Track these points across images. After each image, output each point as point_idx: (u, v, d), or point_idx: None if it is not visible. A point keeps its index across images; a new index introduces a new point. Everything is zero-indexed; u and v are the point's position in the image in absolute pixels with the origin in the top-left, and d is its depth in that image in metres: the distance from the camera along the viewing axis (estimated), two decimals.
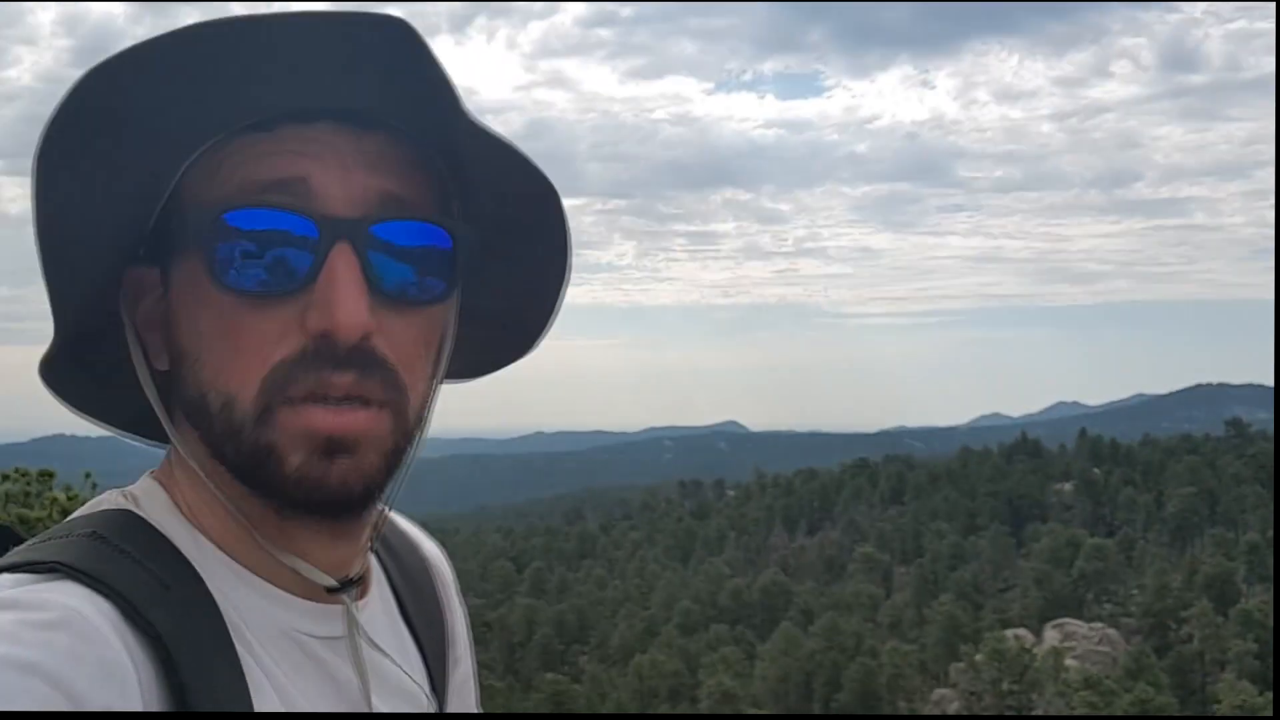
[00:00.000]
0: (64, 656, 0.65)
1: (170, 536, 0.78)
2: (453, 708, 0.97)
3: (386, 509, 0.88)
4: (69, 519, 0.79)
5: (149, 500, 0.81)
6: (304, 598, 0.81)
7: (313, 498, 0.77)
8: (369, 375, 0.76)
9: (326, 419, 0.75)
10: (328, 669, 0.81)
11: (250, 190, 0.75)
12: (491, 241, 0.85)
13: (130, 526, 0.77)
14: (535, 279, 0.90)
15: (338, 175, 0.76)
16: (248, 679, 0.74)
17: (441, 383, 0.86)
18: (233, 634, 0.75)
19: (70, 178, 0.73)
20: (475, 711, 1.02)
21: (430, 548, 1.04)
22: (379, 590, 0.91)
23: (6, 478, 15.81)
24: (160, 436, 0.85)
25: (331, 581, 0.82)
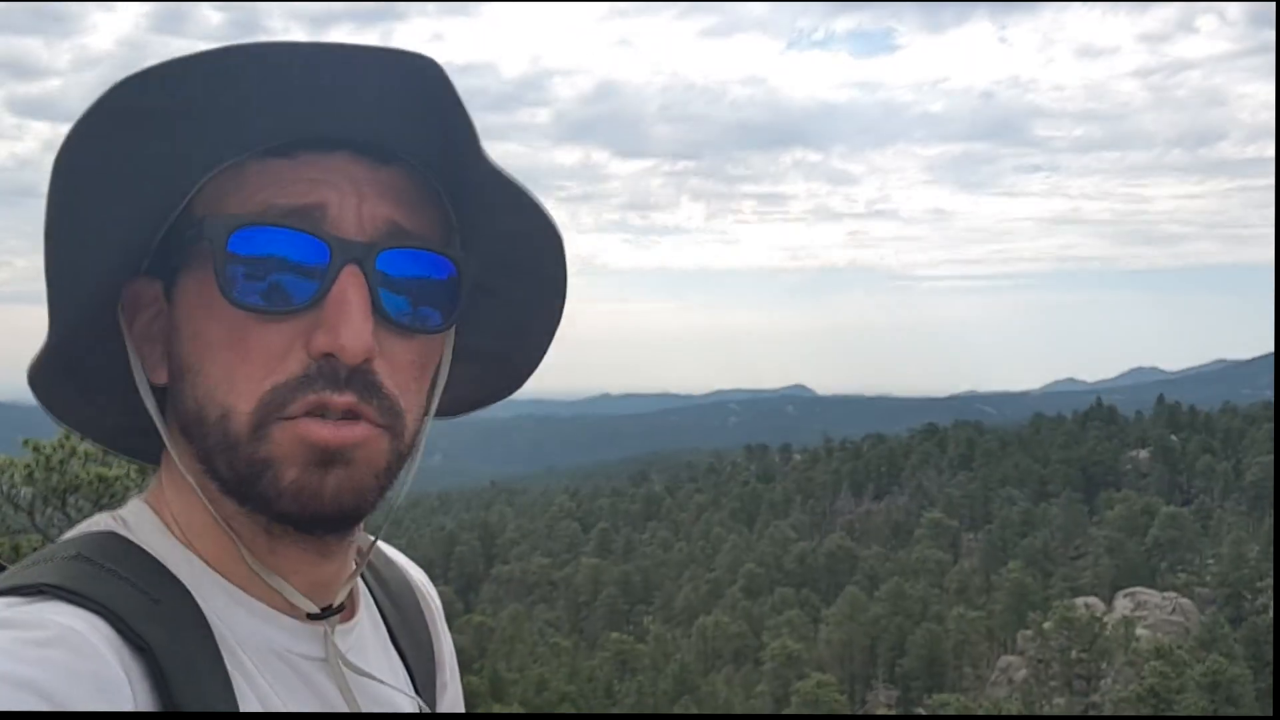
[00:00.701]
0: (60, 673, 0.66)
1: (158, 556, 0.79)
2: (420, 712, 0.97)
3: (375, 537, 0.90)
4: (56, 542, 0.80)
5: (136, 521, 0.82)
6: (295, 617, 0.83)
7: (306, 510, 0.77)
8: (367, 398, 0.77)
9: (323, 431, 0.76)
10: (319, 689, 0.82)
11: (268, 212, 0.77)
12: (490, 280, 0.87)
13: (115, 547, 0.78)
14: (529, 320, 0.92)
15: (353, 204, 0.78)
16: (236, 694, 0.75)
17: (433, 413, 0.87)
18: (222, 650, 0.76)
19: (88, 183, 0.73)
20: None
21: (417, 575, 1.05)
22: (368, 614, 0.92)
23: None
24: (144, 454, 0.87)
25: (313, 607, 0.83)
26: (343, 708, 0.84)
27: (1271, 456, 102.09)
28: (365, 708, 0.85)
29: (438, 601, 1.05)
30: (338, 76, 0.73)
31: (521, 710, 53.04)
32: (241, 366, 0.76)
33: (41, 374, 0.82)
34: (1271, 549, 79.67)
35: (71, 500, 16.83)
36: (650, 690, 64.88)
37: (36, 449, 16.24)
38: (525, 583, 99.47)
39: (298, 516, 0.78)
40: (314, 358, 0.76)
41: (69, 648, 0.67)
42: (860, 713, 70.14)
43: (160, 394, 0.82)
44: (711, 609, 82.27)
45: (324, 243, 0.76)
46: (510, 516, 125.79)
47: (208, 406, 0.77)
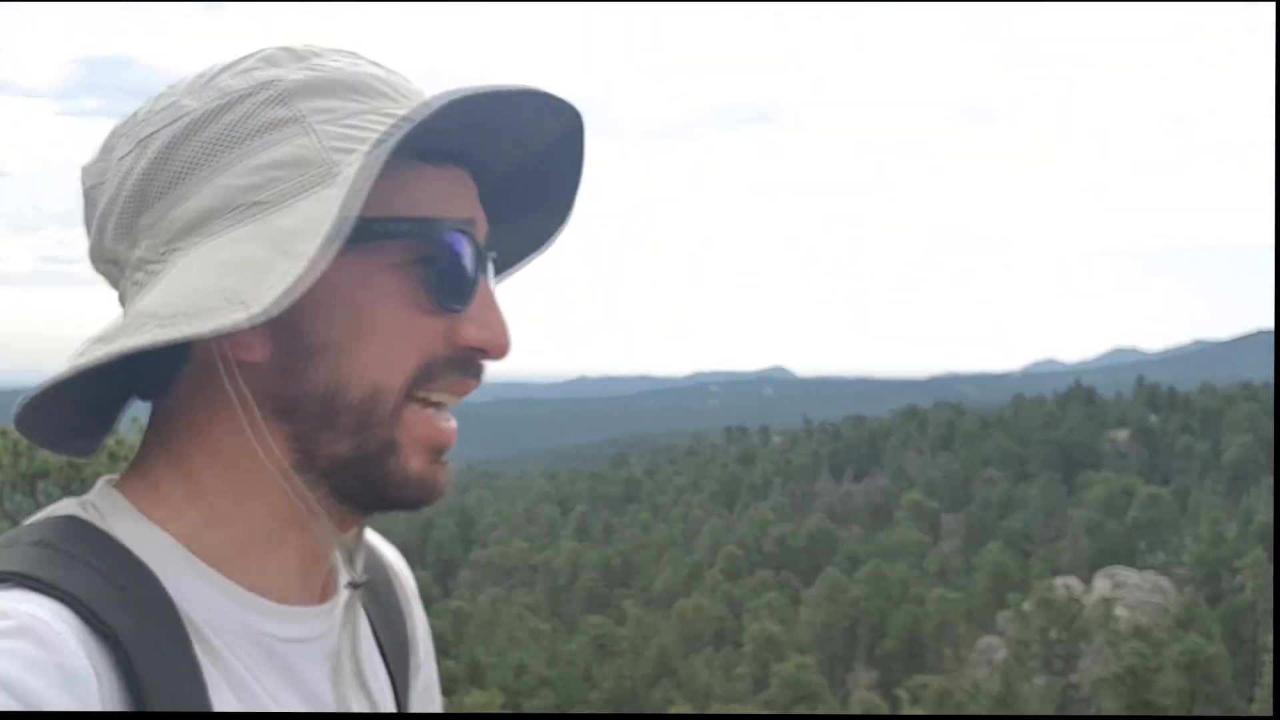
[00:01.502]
0: (25, 665, 0.65)
1: (125, 541, 0.78)
2: (415, 711, 0.99)
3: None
4: (14, 530, 0.80)
5: (104, 505, 0.81)
6: (275, 601, 0.83)
7: (422, 499, 0.82)
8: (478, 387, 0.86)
9: (444, 428, 0.82)
10: (294, 671, 0.82)
11: (449, 220, 0.81)
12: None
13: (78, 532, 0.78)
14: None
15: (480, 221, 0.85)
16: (206, 680, 0.75)
17: None
18: (191, 634, 0.76)
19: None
20: (440, 714, 1.04)
21: (391, 554, 1.05)
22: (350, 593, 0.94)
23: None
24: (84, 451, 0.88)
25: (360, 576, 0.87)
26: (319, 689, 0.84)
27: (1249, 436, 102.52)
28: (348, 689, 0.87)
29: (412, 582, 1.06)
30: (500, 110, 0.81)
31: (500, 695, 52.52)
32: (403, 350, 0.80)
33: (43, 399, 0.80)
34: (1244, 527, 79.90)
35: (40, 486, 16.09)
36: (629, 673, 64.48)
37: (3, 434, 15.54)
38: (504, 567, 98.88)
39: (413, 503, 0.82)
40: (456, 348, 0.81)
41: (33, 638, 0.67)
42: (841, 694, 69.94)
43: (252, 371, 0.81)
44: (691, 591, 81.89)
45: (478, 250, 0.83)
46: (488, 500, 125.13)
47: (352, 385, 0.79)
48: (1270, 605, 68.16)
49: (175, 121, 0.79)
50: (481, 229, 0.84)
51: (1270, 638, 60.37)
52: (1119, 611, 65.35)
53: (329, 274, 0.77)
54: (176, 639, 0.75)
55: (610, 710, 56.67)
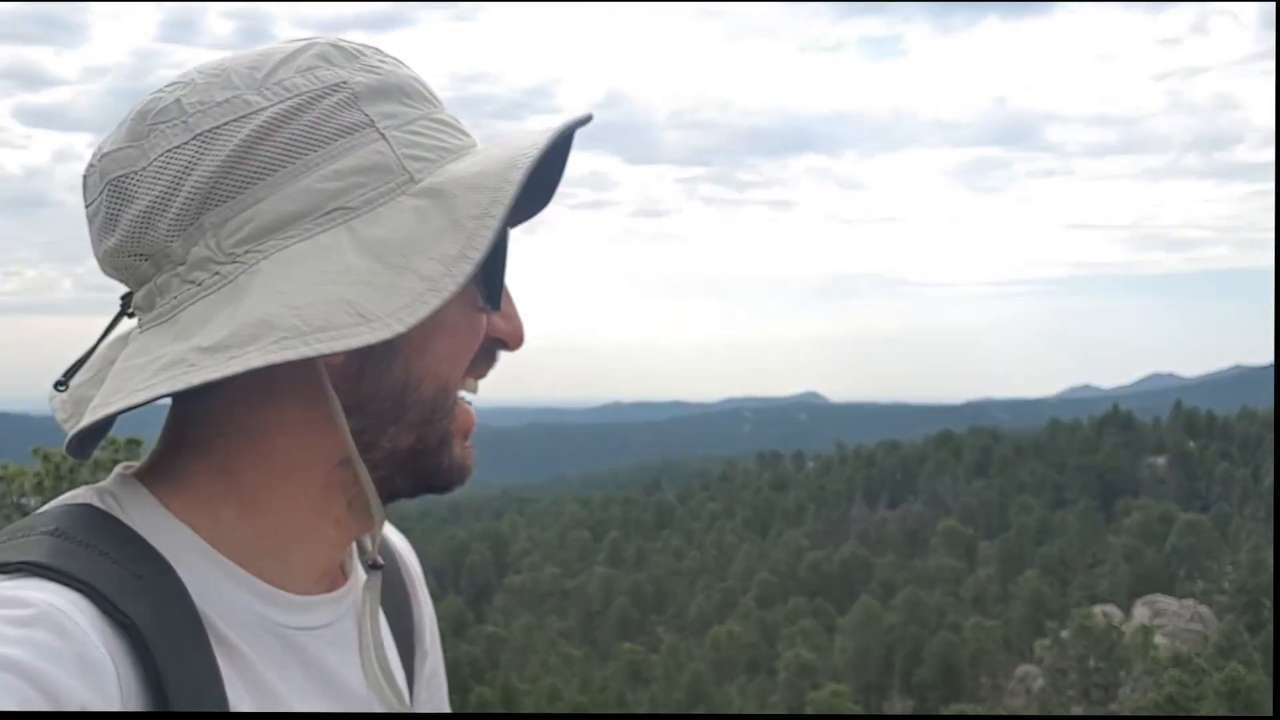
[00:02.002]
0: (43, 653, 0.65)
1: (139, 529, 0.79)
2: (421, 699, 1.00)
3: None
4: (31, 516, 0.80)
5: (124, 495, 0.81)
6: (290, 591, 0.83)
7: (458, 480, 0.86)
8: None
9: (473, 414, 0.87)
10: (311, 656, 0.84)
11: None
12: None
13: (93, 521, 0.78)
14: None
15: None
16: (221, 669, 0.76)
17: None
18: (205, 624, 0.77)
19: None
20: (445, 705, 1.05)
21: (398, 540, 1.06)
22: (361, 579, 0.94)
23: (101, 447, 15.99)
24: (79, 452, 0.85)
25: (379, 561, 0.92)
26: (337, 674, 0.86)
27: None
28: (363, 675, 0.88)
29: (418, 568, 1.07)
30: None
31: None
32: (466, 346, 0.83)
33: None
34: None
35: None
36: (664, 701, 64.34)
37: (46, 458, 15.90)
38: (537, 593, 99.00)
39: (451, 485, 0.86)
40: (487, 340, 0.85)
41: (52, 627, 0.67)
42: (874, 714, 69.51)
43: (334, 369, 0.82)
44: (725, 618, 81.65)
45: (503, 246, 0.84)
46: (522, 526, 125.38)
47: (425, 381, 0.82)
48: None
49: (244, 118, 0.78)
50: None
51: None
52: (1158, 640, 64.60)
53: None
54: (193, 630, 0.75)
55: None
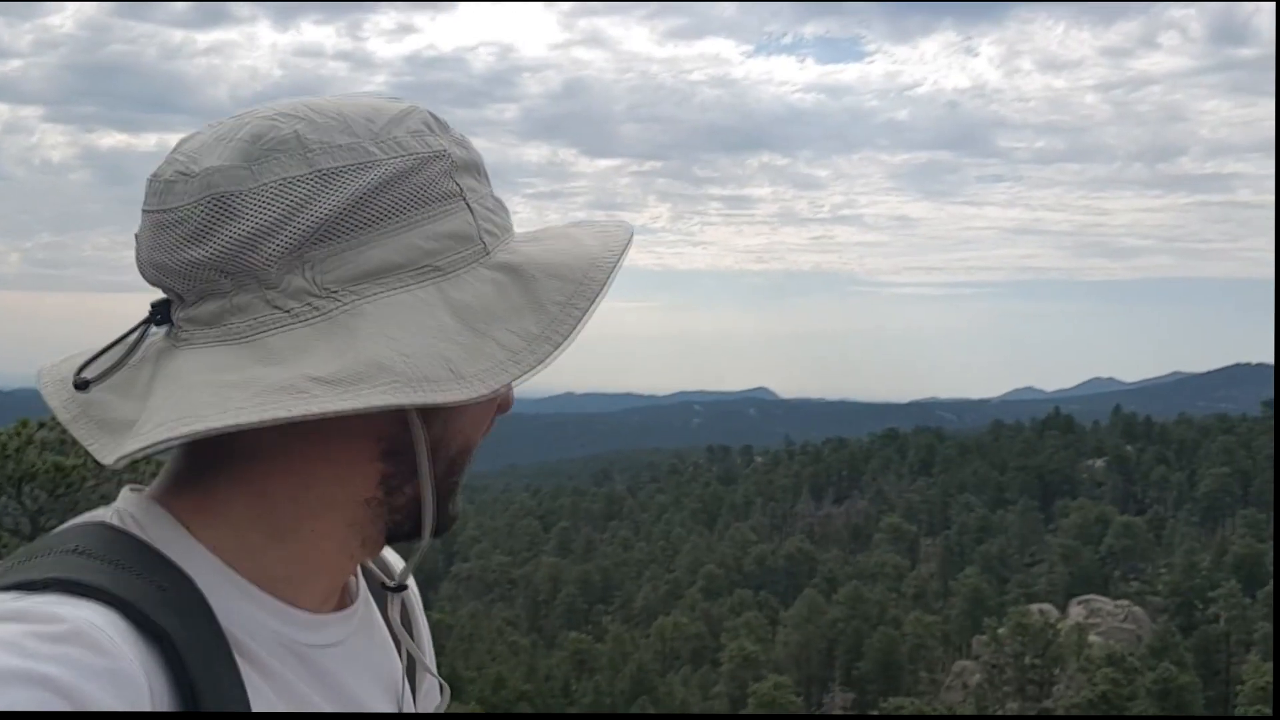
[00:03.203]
0: (77, 670, 0.66)
1: (158, 547, 0.80)
2: (420, 712, 1.03)
3: None
4: (47, 536, 0.81)
5: (140, 513, 0.82)
6: (304, 609, 0.86)
7: (448, 528, 0.91)
8: None
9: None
10: (326, 675, 0.86)
11: None
12: None
13: (113, 540, 0.79)
14: None
15: None
16: (245, 681, 0.77)
17: None
18: (229, 638, 0.78)
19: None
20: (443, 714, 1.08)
21: (396, 561, 1.09)
22: (365, 598, 0.97)
23: (43, 425, 16.02)
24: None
25: (391, 582, 0.99)
26: (350, 691, 0.88)
27: (1225, 468, 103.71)
28: (375, 691, 0.91)
29: (416, 589, 1.09)
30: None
31: (478, 708, 52.83)
32: (488, 413, 0.91)
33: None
34: (1218, 558, 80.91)
35: (27, 489, 16.53)
36: (608, 690, 64.86)
37: None
38: (485, 581, 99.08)
39: (443, 532, 0.91)
40: (495, 410, 0.92)
41: (84, 643, 0.67)
42: (817, 714, 70.50)
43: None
44: (670, 609, 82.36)
45: None
46: (470, 514, 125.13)
47: (455, 439, 0.88)
48: (1244, 637, 69.17)
49: (365, 165, 0.81)
50: None
51: (1243, 668, 61.24)
52: (1093, 639, 66.09)
53: None
54: (219, 642, 0.77)
55: None
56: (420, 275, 0.81)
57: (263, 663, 0.80)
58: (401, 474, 0.85)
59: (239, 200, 0.80)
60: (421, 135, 0.85)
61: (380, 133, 0.83)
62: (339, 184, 0.80)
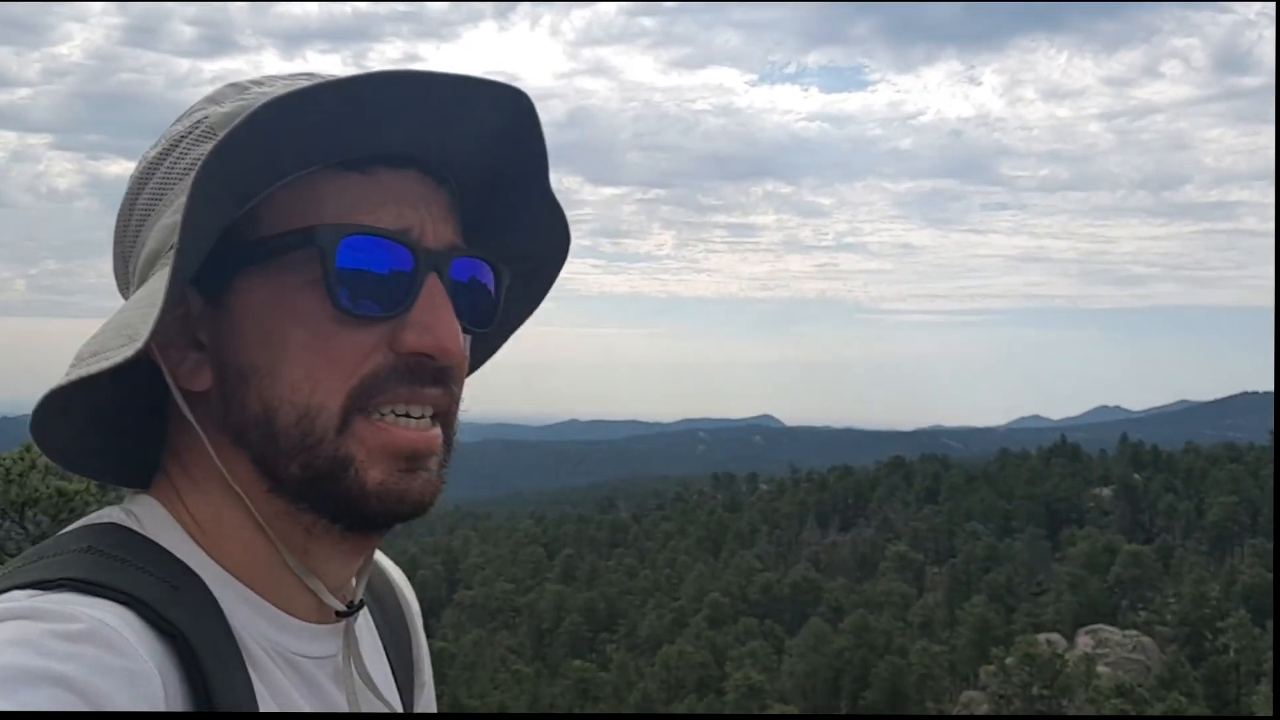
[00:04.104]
0: (93, 669, 0.66)
1: (166, 547, 0.80)
2: (418, 712, 1.01)
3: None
4: (57, 536, 0.80)
5: (145, 514, 0.82)
6: (300, 618, 0.84)
7: (391, 511, 0.81)
8: (450, 392, 0.84)
9: (412, 436, 0.81)
10: (319, 688, 0.84)
11: (361, 222, 0.81)
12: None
13: (124, 539, 0.79)
14: (512, 315, 0.98)
15: (429, 223, 0.83)
16: (253, 682, 0.77)
17: None
18: (237, 639, 0.79)
19: (202, 194, 0.75)
20: None
21: (398, 576, 1.07)
22: (364, 613, 0.95)
23: None
24: (136, 481, 0.87)
25: (342, 606, 0.87)
26: (341, 706, 0.86)
27: (1233, 497, 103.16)
28: (366, 707, 0.88)
29: (416, 604, 1.07)
30: (419, 98, 0.79)
31: None
32: (328, 367, 0.79)
33: (49, 410, 0.80)
34: (1227, 588, 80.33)
35: (30, 514, 16.48)
36: (565, 713, 64.29)
37: None
38: (488, 608, 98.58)
39: (381, 516, 0.82)
40: (399, 354, 0.80)
41: (101, 642, 0.67)
42: (817, 714, 69.89)
43: (202, 400, 0.83)
44: (675, 638, 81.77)
45: (410, 251, 0.81)
46: (474, 541, 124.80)
47: (282, 408, 0.79)
48: (1254, 668, 68.56)
49: (137, 172, 0.85)
50: (430, 230, 0.83)
51: (1253, 699, 60.68)
52: (1101, 669, 65.54)
53: (245, 300, 0.80)
54: (230, 642, 0.77)
55: None
56: (172, 251, 0.78)
57: (265, 668, 0.79)
58: (265, 458, 0.81)
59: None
60: (192, 113, 0.84)
61: (168, 130, 0.85)
62: (127, 196, 0.85)
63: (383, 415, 0.80)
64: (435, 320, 0.81)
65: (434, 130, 0.82)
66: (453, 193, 0.87)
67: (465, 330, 0.84)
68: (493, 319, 0.89)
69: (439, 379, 0.82)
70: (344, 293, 0.79)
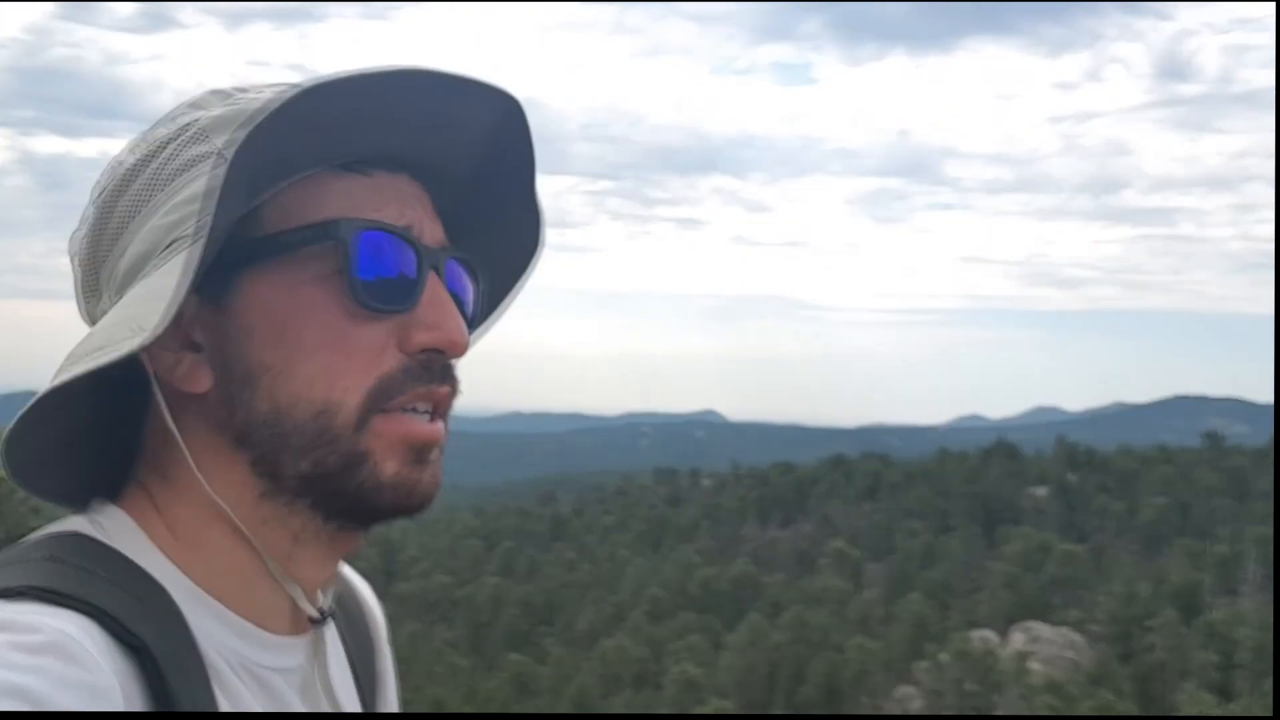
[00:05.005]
0: (53, 682, 0.65)
1: (131, 557, 0.79)
2: (409, 711, 1.00)
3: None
4: (20, 544, 0.79)
5: (111, 524, 0.81)
6: (264, 629, 0.83)
7: (403, 503, 0.82)
8: (455, 389, 0.85)
9: (425, 428, 0.82)
10: (283, 702, 0.83)
11: (369, 220, 0.81)
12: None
13: (89, 549, 0.78)
14: (489, 313, 0.99)
15: (426, 224, 0.84)
16: (216, 695, 0.76)
17: None
18: (200, 651, 0.77)
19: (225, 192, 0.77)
20: None
21: (364, 588, 1.07)
22: (330, 625, 0.94)
23: None
24: (93, 497, 0.85)
25: (315, 613, 0.87)
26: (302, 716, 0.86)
27: (1164, 499, 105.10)
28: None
29: (383, 618, 1.07)
30: (415, 100, 0.79)
31: None
32: (345, 363, 0.79)
33: (22, 435, 0.79)
34: (1157, 588, 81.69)
35: None
36: (548, 713, 63.90)
37: None
38: (426, 601, 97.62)
39: (389, 509, 0.82)
40: (412, 354, 0.81)
41: (62, 654, 0.66)
42: (797, 714, 70.02)
43: (200, 402, 0.82)
44: (614, 632, 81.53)
45: (415, 250, 0.82)
46: (412, 533, 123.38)
47: (297, 405, 0.79)
48: (1181, 666, 69.74)
49: (113, 178, 0.83)
50: (427, 231, 0.84)
51: (1180, 698, 61.70)
52: (1033, 666, 66.31)
53: (256, 296, 0.80)
54: (193, 654, 0.76)
55: None
56: (168, 251, 0.77)
57: (228, 681, 0.78)
58: (267, 458, 0.80)
59: (74, 263, 0.87)
60: (177, 118, 0.83)
61: (139, 138, 0.84)
62: (96, 205, 0.83)
63: (404, 411, 0.82)
64: (443, 316, 0.82)
65: (428, 132, 0.83)
66: (434, 195, 0.88)
67: None
68: (475, 321, 0.90)
69: (446, 375, 0.84)
70: (363, 287, 0.79)
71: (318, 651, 0.88)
